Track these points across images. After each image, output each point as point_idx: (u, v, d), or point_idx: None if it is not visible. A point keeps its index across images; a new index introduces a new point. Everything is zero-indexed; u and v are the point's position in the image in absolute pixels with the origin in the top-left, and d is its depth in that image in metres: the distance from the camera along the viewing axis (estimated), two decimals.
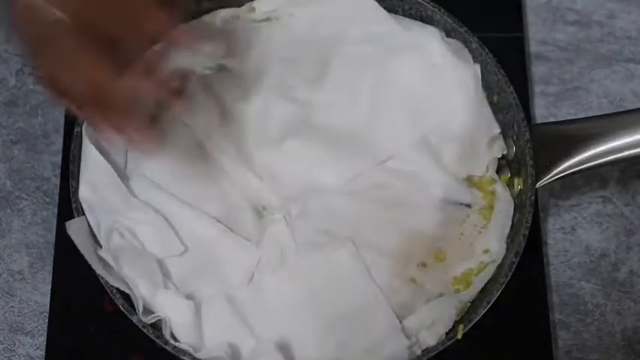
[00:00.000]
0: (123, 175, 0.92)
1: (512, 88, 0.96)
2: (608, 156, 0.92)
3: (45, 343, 0.96)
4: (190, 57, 0.83)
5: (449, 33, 0.99)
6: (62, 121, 1.04)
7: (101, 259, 0.88)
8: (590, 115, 0.97)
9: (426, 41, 0.98)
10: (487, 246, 0.93)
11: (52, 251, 0.99)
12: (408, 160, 0.95)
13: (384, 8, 0.99)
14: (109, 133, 0.77)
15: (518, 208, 0.93)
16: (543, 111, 1.07)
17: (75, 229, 0.88)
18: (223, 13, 1.00)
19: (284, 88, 0.97)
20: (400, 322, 0.89)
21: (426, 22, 0.99)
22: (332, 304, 0.90)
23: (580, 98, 1.08)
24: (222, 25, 0.99)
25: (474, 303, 0.90)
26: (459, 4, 1.01)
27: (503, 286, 0.89)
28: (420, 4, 0.99)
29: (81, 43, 0.74)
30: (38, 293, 0.99)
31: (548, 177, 0.93)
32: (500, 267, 0.92)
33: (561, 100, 1.08)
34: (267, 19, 1.00)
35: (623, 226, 1.03)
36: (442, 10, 0.98)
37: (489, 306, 0.88)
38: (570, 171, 0.93)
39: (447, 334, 0.89)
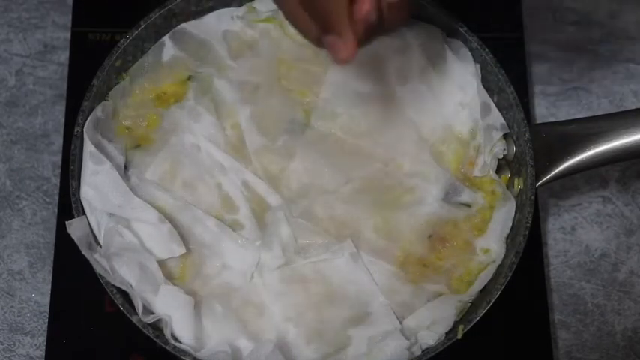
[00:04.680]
0: (124, 176, 0.92)
1: (512, 88, 0.96)
2: (608, 156, 0.92)
3: (45, 343, 0.96)
4: None
5: (449, 33, 0.99)
6: (62, 121, 1.04)
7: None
8: (590, 115, 0.97)
9: (426, 41, 0.98)
10: (487, 246, 0.93)
11: (52, 251, 0.99)
12: (409, 160, 0.95)
13: None
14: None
15: (518, 208, 0.93)
16: (543, 111, 1.07)
17: (75, 228, 0.88)
18: (223, 13, 1.00)
19: (283, 90, 0.97)
20: (400, 322, 0.90)
21: (426, 22, 0.99)
22: (332, 303, 0.90)
23: (580, 98, 1.08)
24: (222, 25, 0.99)
25: (474, 303, 0.90)
26: (459, 4, 1.01)
27: (503, 286, 0.89)
28: (420, 4, 0.99)
29: None
30: (38, 293, 0.99)
31: (548, 177, 0.93)
32: (500, 267, 0.92)
33: (561, 100, 1.08)
34: (267, 20, 1.00)
35: (623, 226, 1.03)
36: (442, 10, 0.98)
37: (489, 306, 0.88)
38: (570, 171, 0.93)
39: (447, 334, 0.89)
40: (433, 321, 0.89)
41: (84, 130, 0.92)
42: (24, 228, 1.01)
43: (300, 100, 0.97)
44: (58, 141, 1.04)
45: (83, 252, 0.87)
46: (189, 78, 0.98)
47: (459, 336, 0.88)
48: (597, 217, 1.03)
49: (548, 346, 0.97)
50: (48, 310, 0.97)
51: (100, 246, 0.90)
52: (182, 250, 0.90)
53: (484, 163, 0.96)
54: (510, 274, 0.89)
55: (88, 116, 0.92)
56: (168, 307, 0.87)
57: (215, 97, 0.97)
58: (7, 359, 0.97)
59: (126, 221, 0.90)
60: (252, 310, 0.90)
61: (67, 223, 0.88)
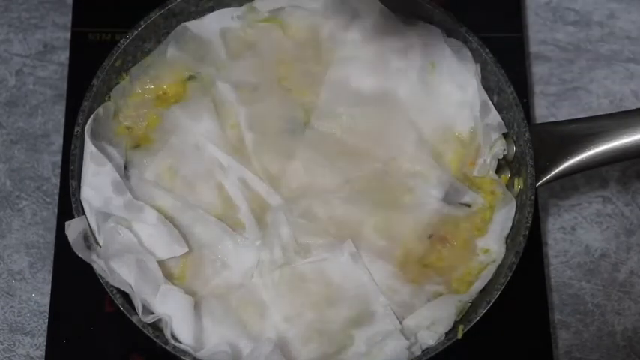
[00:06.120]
0: (124, 176, 0.92)
1: (512, 88, 0.96)
2: (608, 156, 0.92)
3: (45, 343, 0.96)
4: None
5: (449, 33, 0.99)
6: (62, 121, 1.04)
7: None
8: (590, 115, 0.97)
9: (426, 41, 0.98)
10: (487, 246, 0.93)
11: (52, 251, 0.99)
12: (409, 160, 0.95)
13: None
14: None
15: (518, 208, 0.93)
16: (543, 111, 1.07)
17: (73, 230, 0.88)
18: (223, 13, 1.00)
19: (283, 90, 0.97)
20: (400, 322, 0.90)
21: (426, 22, 0.99)
22: (332, 303, 0.90)
23: (580, 98, 1.08)
24: (222, 25, 0.99)
25: (474, 303, 0.90)
26: (459, 4, 1.01)
27: (504, 286, 0.89)
28: (420, 4, 0.99)
29: None
30: (38, 293, 0.99)
31: (548, 177, 0.93)
32: (500, 267, 0.92)
33: (561, 100, 1.08)
34: (267, 20, 1.00)
35: (623, 226, 1.03)
36: (442, 10, 0.98)
37: (489, 306, 0.88)
38: (570, 171, 0.93)
39: (446, 334, 0.89)
40: (433, 321, 0.89)
41: (84, 130, 0.92)
42: (24, 228, 1.01)
43: (300, 100, 0.97)
44: (58, 141, 1.04)
45: (79, 254, 0.87)
46: (190, 78, 0.98)
47: (459, 336, 0.88)
48: (597, 217, 1.03)
49: (548, 346, 0.97)
50: (48, 310, 0.97)
51: (100, 246, 0.90)
52: (184, 249, 0.90)
53: (484, 163, 0.96)
54: (510, 274, 0.89)
55: (88, 116, 0.93)
56: (168, 307, 0.87)
57: (215, 97, 0.97)
58: (7, 359, 0.97)
59: (126, 221, 0.90)
60: (252, 310, 0.90)
61: (66, 224, 0.88)
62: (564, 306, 1.00)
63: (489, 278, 0.91)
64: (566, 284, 1.01)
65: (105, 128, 0.94)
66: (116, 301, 0.87)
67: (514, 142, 0.96)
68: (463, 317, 0.90)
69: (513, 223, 0.93)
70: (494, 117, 0.96)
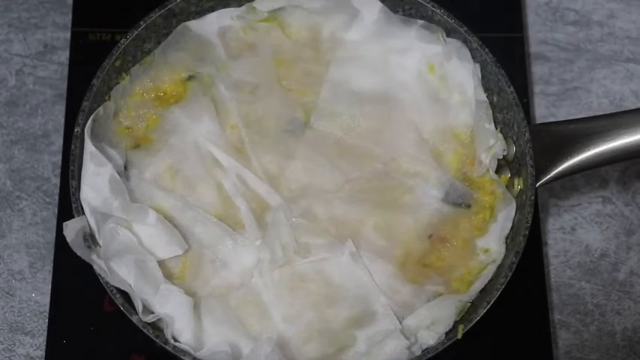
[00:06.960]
0: (124, 176, 0.92)
1: (512, 88, 0.96)
2: (608, 156, 0.92)
3: (45, 343, 0.96)
4: None
5: (449, 33, 0.99)
6: (62, 121, 1.04)
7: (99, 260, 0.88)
8: (590, 115, 0.97)
9: (426, 41, 0.98)
10: (487, 246, 0.93)
11: (52, 251, 0.99)
12: (409, 160, 0.95)
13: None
14: None
15: (518, 208, 0.93)
16: (543, 111, 1.07)
17: (71, 229, 0.88)
18: (223, 13, 1.00)
19: (283, 90, 0.97)
20: (400, 322, 0.90)
21: (426, 22, 0.99)
22: (332, 303, 0.90)
23: (580, 98, 1.08)
24: (222, 25, 0.99)
25: (474, 303, 0.90)
26: (459, 4, 1.01)
27: (504, 286, 0.89)
28: (420, 4, 0.99)
29: None
30: (38, 293, 0.99)
31: (548, 177, 0.93)
32: (500, 267, 0.92)
33: (561, 100, 1.08)
34: (267, 20, 1.00)
35: (623, 226, 1.03)
36: (442, 10, 0.98)
37: (489, 306, 0.88)
38: (570, 171, 0.93)
39: (447, 334, 0.89)
40: (433, 321, 0.89)
41: (84, 130, 0.92)
42: (24, 228, 1.01)
43: (300, 100, 0.97)
44: (58, 141, 1.04)
45: (78, 253, 0.87)
46: (190, 78, 0.98)
47: (459, 336, 0.88)
48: (597, 217, 1.03)
49: (548, 346, 0.97)
50: (48, 310, 0.97)
51: (100, 246, 0.90)
52: (184, 249, 0.90)
53: (484, 163, 0.96)
54: (510, 274, 0.89)
55: (88, 116, 0.93)
56: (168, 307, 0.87)
57: (215, 97, 0.97)
58: (7, 359, 0.97)
59: (126, 222, 0.90)
60: (252, 310, 0.90)
61: (64, 224, 0.88)
62: (564, 306, 1.00)
63: (489, 278, 0.91)
64: (566, 284, 1.01)
65: (105, 128, 0.94)
66: (116, 301, 0.87)
67: (514, 142, 0.96)
68: (463, 317, 0.90)
69: (513, 223, 0.93)
70: (491, 123, 0.96)
